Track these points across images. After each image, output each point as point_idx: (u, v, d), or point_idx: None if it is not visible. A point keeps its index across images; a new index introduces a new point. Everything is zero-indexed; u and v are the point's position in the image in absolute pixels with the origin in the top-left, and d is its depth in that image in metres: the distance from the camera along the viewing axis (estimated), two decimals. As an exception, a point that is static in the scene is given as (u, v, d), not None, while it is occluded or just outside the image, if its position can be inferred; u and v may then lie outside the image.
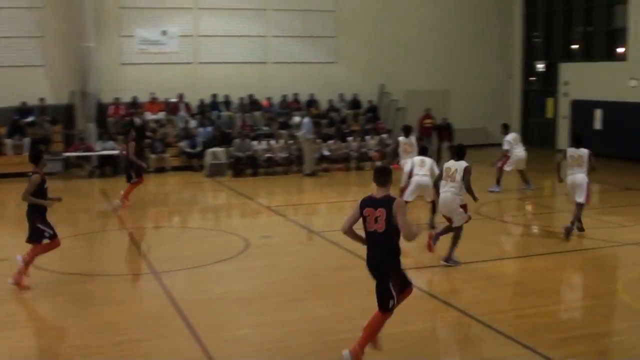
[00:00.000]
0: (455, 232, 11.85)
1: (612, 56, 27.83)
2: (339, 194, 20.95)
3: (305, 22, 28.95)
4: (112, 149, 24.03)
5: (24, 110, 25.38)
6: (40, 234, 10.84)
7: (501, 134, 20.31)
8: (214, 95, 27.44)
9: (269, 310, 9.75)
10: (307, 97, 28.50)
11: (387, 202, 7.53)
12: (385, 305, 7.63)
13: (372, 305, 7.73)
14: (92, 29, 25.69)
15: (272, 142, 24.68)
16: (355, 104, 29.10)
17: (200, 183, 22.49)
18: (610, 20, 28.19)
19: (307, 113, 25.31)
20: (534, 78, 32.12)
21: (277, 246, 13.77)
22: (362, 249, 7.85)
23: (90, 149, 24.19)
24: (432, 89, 30.28)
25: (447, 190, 11.81)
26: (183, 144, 25.03)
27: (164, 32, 27.46)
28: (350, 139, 25.52)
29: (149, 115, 26.32)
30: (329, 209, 18.80)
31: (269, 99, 28.19)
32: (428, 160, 14.58)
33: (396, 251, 7.67)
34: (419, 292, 9.99)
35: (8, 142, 24.37)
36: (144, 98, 26.62)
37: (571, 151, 14.01)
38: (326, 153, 24.73)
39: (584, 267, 12.44)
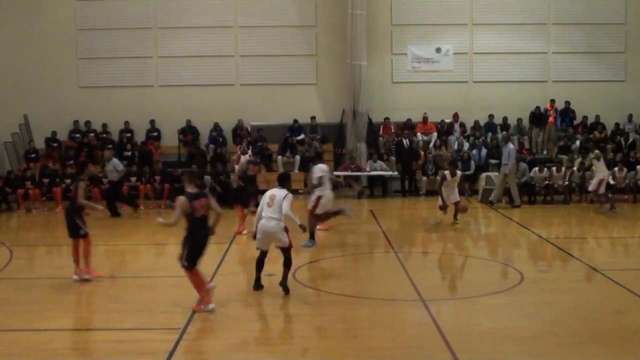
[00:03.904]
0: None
1: None
2: (624, 228, 19.87)
3: (590, 36, 27.94)
4: (381, 170, 24.80)
5: (295, 128, 26.99)
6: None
7: None
8: (491, 116, 27.32)
9: (542, 352, 9.49)
10: (593, 119, 27.52)
11: None
12: None
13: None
14: (363, 47, 26.73)
15: (553, 168, 23.96)
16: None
17: (472, 209, 22.43)
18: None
19: (509, 136, 24.23)
20: None
21: (553, 282, 13.37)
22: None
23: (360, 169, 25.10)
24: None
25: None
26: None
27: (438, 50, 27.89)
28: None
29: (421, 137, 26.79)
30: (612, 244, 17.96)
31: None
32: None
33: None
34: None
35: (279, 158, 26.03)
36: (416, 118, 27.19)
37: None
38: (611, 181, 23.64)
39: None
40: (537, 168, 23.72)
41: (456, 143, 26.38)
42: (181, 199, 10.91)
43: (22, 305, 11.77)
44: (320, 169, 17.37)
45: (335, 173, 25.32)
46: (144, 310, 11.28)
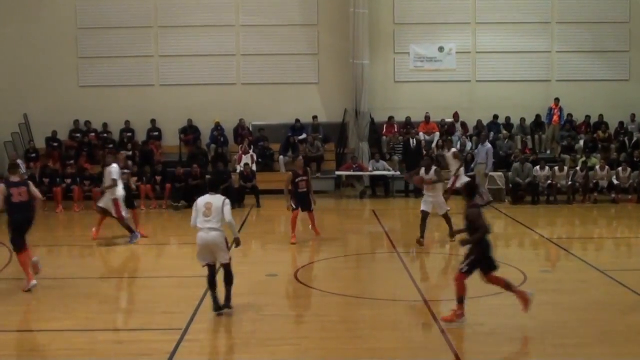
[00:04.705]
0: None
1: None
2: (628, 228, 19.91)
3: (594, 36, 27.89)
4: (384, 170, 24.79)
5: (297, 127, 26.99)
6: None
7: None
8: (496, 117, 27.30)
9: (545, 352, 9.50)
10: (597, 118, 27.46)
11: None
12: None
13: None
14: (366, 46, 26.70)
15: (555, 167, 23.97)
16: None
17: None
18: None
19: (486, 136, 24.21)
20: None
21: (557, 283, 13.39)
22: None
23: (362, 169, 25.12)
24: None
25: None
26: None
27: (441, 49, 27.86)
28: (644, 167, 24.15)
29: (423, 136, 26.74)
30: (616, 244, 17.96)
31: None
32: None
33: None
34: None
35: (281, 158, 26.05)
36: (418, 117, 27.17)
37: None
38: (615, 182, 23.65)
39: None
40: (538, 167, 23.69)
41: (458, 143, 26.32)
42: (0, 186, 12.42)
43: (22, 306, 11.80)
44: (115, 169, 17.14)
45: (337, 173, 25.47)
46: (144, 311, 11.31)
